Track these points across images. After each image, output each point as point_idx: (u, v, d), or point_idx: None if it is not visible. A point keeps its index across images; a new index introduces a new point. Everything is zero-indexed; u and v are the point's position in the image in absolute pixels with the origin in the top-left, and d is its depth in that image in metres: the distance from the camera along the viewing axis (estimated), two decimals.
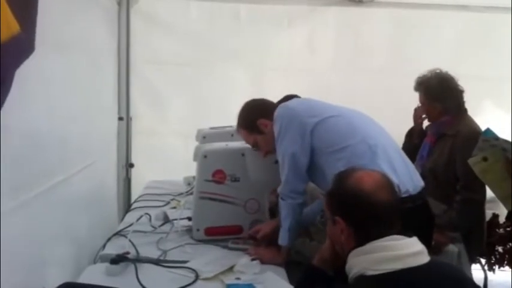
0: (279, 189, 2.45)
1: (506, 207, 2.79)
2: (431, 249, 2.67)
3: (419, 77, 3.21)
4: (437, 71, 3.18)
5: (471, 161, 2.72)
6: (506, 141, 2.67)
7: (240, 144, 2.76)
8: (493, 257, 4.05)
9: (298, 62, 4.26)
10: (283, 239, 2.42)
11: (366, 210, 1.60)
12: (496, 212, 3.76)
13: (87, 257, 2.65)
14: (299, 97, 2.84)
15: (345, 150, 2.29)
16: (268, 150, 2.57)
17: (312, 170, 2.40)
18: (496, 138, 2.67)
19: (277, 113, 2.46)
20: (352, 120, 2.42)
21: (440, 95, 3.13)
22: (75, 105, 2.71)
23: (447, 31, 4.59)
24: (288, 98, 3.31)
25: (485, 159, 2.68)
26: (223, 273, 2.26)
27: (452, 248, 2.95)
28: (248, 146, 2.71)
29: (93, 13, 3.28)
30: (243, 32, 4.33)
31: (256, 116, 2.58)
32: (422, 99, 3.21)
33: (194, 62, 4.33)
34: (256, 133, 2.59)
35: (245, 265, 2.30)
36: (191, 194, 3.05)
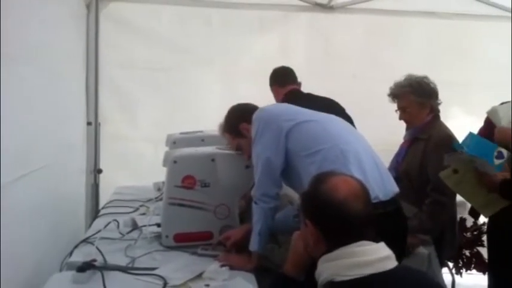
0: (252, 192, 2.45)
1: (485, 215, 2.80)
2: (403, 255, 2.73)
3: (401, 81, 3.21)
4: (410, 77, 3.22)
5: (442, 175, 2.72)
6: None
7: (210, 149, 2.74)
8: (460, 260, 4.11)
9: (270, 67, 4.26)
10: (253, 244, 2.41)
11: (336, 218, 1.60)
12: (464, 216, 3.81)
13: (52, 265, 2.59)
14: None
15: (317, 154, 2.31)
16: (251, 153, 2.55)
17: (288, 173, 2.41)
18: (461, 151, 2.70)
19: (254, 116, 2.50)
20: (327, 125, 2.46)
21: (432, 92, 3.17)
22: (36, 110, 2.65)
23: (418, 37, 4.67)
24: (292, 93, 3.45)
25: (455, 171, 2.70)
26: (192, 280, 2.23)
27: (423, 250, 2.97)
28: (218, 151, 2.71)
29: (60, 17, 3.24)
30: (214, 36, 4.34)
31: (238, 120, 2.61)
32: (411, 99, 3.16)
33: (165, 67, 4.31)
34: (239, 137, 2.62)
35: (214, 272, 2.27)
36: (161, 200, 3.01)
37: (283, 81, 3.73)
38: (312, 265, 1.68)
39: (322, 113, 2.56)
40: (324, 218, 1.62)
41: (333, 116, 2.58)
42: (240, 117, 2.61)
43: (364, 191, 1.66)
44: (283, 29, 4.51)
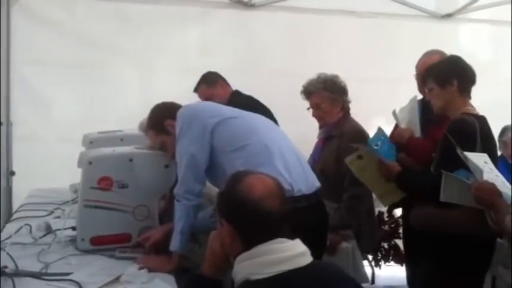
0: (174, 190, 2.43)
1: (384, 204, 2.92)
2: (327, 249, 2.79)
3: (314, 78, 3.27)
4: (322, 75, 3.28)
5: (347, 160, 2.84)
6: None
7: (128, 149, 2.67)
8: (379, 253, 4.26)
9: (192, 63, 4.23)
10: (174, 243, 2.37)
11: (251, 217, 1.59)
12: (382, 210, 3.94)
13: None
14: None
15: (242, 150, 2.36)
16: (175, 151, 2.52)
17: (213, 169, 2.41)
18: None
19: (178, 113, 2.48)
20: (251, 121, 2.52)
21: (343, 89, 3.26)
22: None
23: (340, 36, 4.77)
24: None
25: (360, 157, 2.80)
26: (109, 284, 2.15)
27: (346, 245, 3.04)
28: (137, 150, 2.64)
29: None
30: (133, 32, 4.24)
31: (163, 116, 2.58)
32: (324, 96, 3.24)
33: (81, 63, 4.17)
34: (163, 134, 2.58)
35: (132, 274, 2.21)
36: (77, 202, 2.89)
37: (213, 80, 3.74)
38: None
39: (245, 111, 2.59)
40: (239, 218, 1.61)
41: (255, 114, 2.63)
42: (165, 113, 2.58)
43: (279, 189, 1.67)
44: (205, 25, 4.48)
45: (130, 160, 2.59)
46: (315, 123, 3.38)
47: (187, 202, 2.39)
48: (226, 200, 1.66)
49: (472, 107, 2.65)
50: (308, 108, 3.30)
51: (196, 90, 3.71)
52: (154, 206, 2.66)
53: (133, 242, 2.58)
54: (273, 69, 4.48)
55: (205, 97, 3.60)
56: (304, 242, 1.63)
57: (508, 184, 2.22)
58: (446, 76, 2.60)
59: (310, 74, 3.33)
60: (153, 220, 2.64)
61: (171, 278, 2.26)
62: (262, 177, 1.69)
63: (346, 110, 3.28)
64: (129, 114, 2.82)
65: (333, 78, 3.26)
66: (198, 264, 1.96)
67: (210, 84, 3.69)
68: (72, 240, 2.60)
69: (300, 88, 3.33)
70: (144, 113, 2.70)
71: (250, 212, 1.58)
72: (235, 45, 4.51)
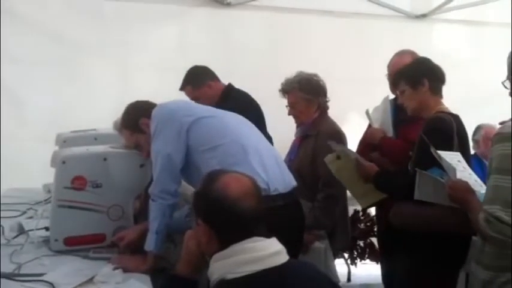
0: (149, 190, 2.41)
1: (361, 205, 2.94)
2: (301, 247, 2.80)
3: (291, 77, 3.27)
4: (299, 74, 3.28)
5: (327, 159, 2.85)
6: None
7: (102, 148, 2.64)
8: (354, 251, 4.28)
9: (168, 62, 4.19)
10: (150, 243, 2.35)
11: (228, 216, 1.58)
12: (357, 208, 3.96)
13: None
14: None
15: (218, 149, 2.36)
16: (150, 150, 2.50)
17: (188, 169, 2.41)
18: None
19: (154, 112, 2.47)
20: (226, 120, 2.51)
21: (320, 89, 3.25)
22: None
23: (317, 35, 4.78)
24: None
25: (338, 157, 2.82)
26: (83, 284, 2.13)
27: (319, 245, 3.05)
28: (111, 150, 2.62)
29: None
30: (109, 30, 4.18)
31: (138, 115, 2.55)
32: (298, 96, 3.24)
33: (57, 62, 4.10)
34: (138, 133, 2.56)
35: (106, 275, 2.19)
36: (50, 202, 2.85)
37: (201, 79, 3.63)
38: None
39: (220, 110, 2.60)
40: (215, 217, 1.60)
41: (230, 113, 2.62)
42: (140, 112, 2.56)
43: (256, 188, 1.66)
44: (181, 23, 4.44)
45: (105, 159, 2.56)
46: (291, 123, 3.39)
47: (163, 201, 2.37)
48: (202, 199, 1.65)
49: (444, 106, 2.69)
50: (286, 106, 3.31)
51: (182, 89, 3.61)
52: (129, 206, 2.64)
53: (107, 242, 2.55)
54: (250, 69, 4.46)
55: (191, 98, 3.51)
56: (280, 240, 1.63)
57: (480, 182, 2.25)
58: (417, 77, 2.64)
59: (286, 73, 3.33)
60: (127, 220, 2.61)
61: (146, 278, 2.24)
62: (238, 176, 1.68)
63: (323, 109, 3.28)
64: (105, 113, 2.78)
65: (308, 77, 3.25)
66: (174, 264, 1.95)
67: (196, 87, 3.55)
68: (46, 241, 2.56)
69: (276, 87, 3.33)
70: (120, 112, 2.67)
71: (226, 211, 1.58)
72: (212, 44, 4.49)
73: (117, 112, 2.67)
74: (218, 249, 1.59)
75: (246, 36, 4.64)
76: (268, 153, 2.46)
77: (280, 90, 3.30)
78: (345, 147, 2.86)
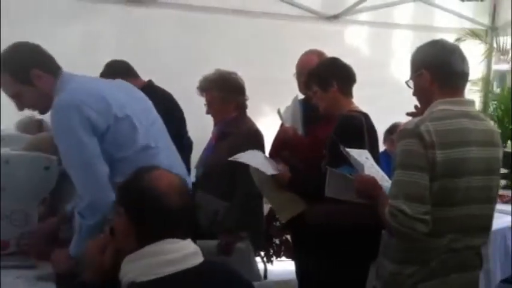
0: (76, 208, 2.18)
1: (282, 219, 2.96)
2: (222, 249, 2.78)
3: (209, 75, 3.24)
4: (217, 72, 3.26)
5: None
6: None
7: (3, 150, 2.49)
8: (270, 249, 4.32)
9: (77, 62, 3.98)
10: (72, 249, 2.16)
11: (152, 209, 1.56)
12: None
13: None
14: None
15: (127, 159, 2.21)
16: (32, 106, 2.27)
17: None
18: None
19: (59, 103, 2.15)
20: (135, 123, 2.29)
21: (237, 88, 3.24)
22: None
23: (231, 34, 4.78)
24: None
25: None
26: None
27: (241, 246, 3.04)
28: (13, 152, 2.48)
29: None
30: (12, 26, 3.94)
31: (32, 62, 2.18)
32: (214, 94, 3.21)
33: None
34: (25, 84, 2.18)
35: (9, 284, 2.07)
36: None
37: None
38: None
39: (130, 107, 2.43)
40: (140, 208, 1.57)
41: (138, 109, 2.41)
42: (35, 60, 2.19)
43: (185, 188, 1.66)
44: (91, 21, 4.27)
45: (7, 162, 2.42)
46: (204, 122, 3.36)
47: (87, 221, 2.09)
48: (129, 188, 1.62)
49: (355, 105, 2.77)
50: (205, 104, 3.28)
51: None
52: (34, 211, 2.50)
53: (11, 250, 2.41)
54: (161, 69, 4.36)
55: None
56: None
57: (387, 178, 2.32)
58: (326, 78, 2.73)
59: (198, 73, 3.30)
60: (32, 226, 2.48)
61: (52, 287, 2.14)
62: (168, 173, 1.67)
63: (241, 108, 3.27)
64: (6, 113, 2.62)
65: (226, 76, 3.24)
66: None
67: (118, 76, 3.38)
68: None
69: (189, 87, 3.30)
70: (22, 113, 2.51)
71: (152, 204, 1.55)
72: (124, 43, 4.37)
73: (20, 113, 2.51)
74: (133, 246, 1.55)
75: (159, 35, 4.55)
76: (172, 152, 2.44)
77: (197, 88, 3.27)
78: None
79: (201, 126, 3.57)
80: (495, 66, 5.96)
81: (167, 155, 2.34)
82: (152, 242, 1.54)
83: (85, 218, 2.11)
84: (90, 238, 2.05)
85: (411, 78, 2.18)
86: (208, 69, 3.31)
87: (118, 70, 3.40)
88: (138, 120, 2.27)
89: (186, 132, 3.49)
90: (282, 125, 3.15)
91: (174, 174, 1.68)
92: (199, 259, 1.59)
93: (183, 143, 3.34)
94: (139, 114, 2.31)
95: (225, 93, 3.20)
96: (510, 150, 4.91)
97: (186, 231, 1.61)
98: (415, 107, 2.28)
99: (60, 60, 3.98)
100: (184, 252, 1.56)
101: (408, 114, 2.30)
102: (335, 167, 2.39)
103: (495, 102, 5.84)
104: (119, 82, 2.49)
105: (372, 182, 2.19)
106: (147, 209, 1.56)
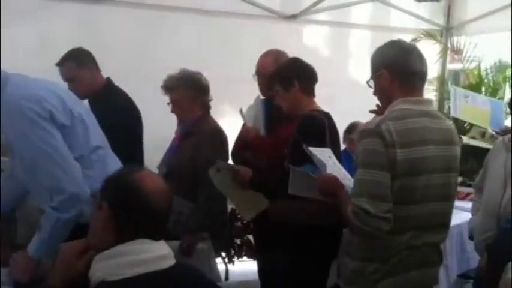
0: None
1: (245, 218, 2.96)
2: (184, 250, 2.74)
3: (175, 74, 3.19)
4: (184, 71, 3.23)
5: (210, 172, 2.83)
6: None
7: None
8: (232, 249, 4.30)
9: (29, 63, 3.83)
10: (35, 250, 2.09)
11: (136, 206, 1.54)
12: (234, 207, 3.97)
13: None
14: None
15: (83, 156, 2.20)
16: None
17: None
18: None
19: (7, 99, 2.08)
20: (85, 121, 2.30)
21: (203, 88, 3.22)
22: None
23: (188, 33, 4.73)
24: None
25: (218, 170, 2.82)
26: None
27: (202, 246, 3.01)
28: None
29: None
30: None
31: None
32: (182, 93, 3.17)
33: None
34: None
35: None
36: None
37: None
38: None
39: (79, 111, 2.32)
40: (124, 203, 1.54)
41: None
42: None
43: (169, 190, 1.63)
44: (44, 19, 4.13)
45: None
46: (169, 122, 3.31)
47: (66, 215, 2.04)
48: (115, 183, 1.59)
49: (317, 105, 2.79)
50: (168, 104, 3.23)
51: (60, 64, 3.23)
52: None
53: None
54: (117, 68, 4.26)
55: (69, 77, 3.19)
56: None
57: (349, 176, 2.34)
58: (287, 78, 2.74)
59: (156, 73, 3.26)
60: None
61: None
62: (156, 176, 1.68)
63: (206, 108, 3.26)
64: None
65: (194, 75, 3.22)
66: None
67: (80, 65, 3.21)
68: None
69: (144, 87, 3.24)
70: None
71: (137, 200, 1.54)
72: (78, 42, 4.23)
73: None
74: (107, 244, 1.52)
75: (114, 34, 4.44)
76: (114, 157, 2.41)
77: (162, 87, 3.22)
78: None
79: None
80: (449, 66, 6.09)
81: (113, 156, 2.36)
82: (128, 241, 1.52)
83: (63, 211, 2.05)
84: (61, 236, 2.04)
85: (371, 78, 2.20)
86: (162, 70, 3.27)
87: (87, 57, 3.30)
88: (87, 120, 2.27)
89: (142, 132, 3.43)
90: (244, 125, 3.14)
91: (158, 176, 1.70)
92: (170, 261, 1.58)
93: (141, 143, 3.32)
94: (85, 115, 2.30)
95: (193, 92, 3.18)
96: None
97: (163, 233, 1.61)
98: (377, 105, 2.30)
99: (12, 60, 3.88)
100: (155, 254, 1.54)
101: (371, 111, 2.33)
102: (297, 165, 2.40)
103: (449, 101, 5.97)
104: (57, 83, 2.44)
105: (334, 181, 2.20)
106: (131, 204, 1.54)
